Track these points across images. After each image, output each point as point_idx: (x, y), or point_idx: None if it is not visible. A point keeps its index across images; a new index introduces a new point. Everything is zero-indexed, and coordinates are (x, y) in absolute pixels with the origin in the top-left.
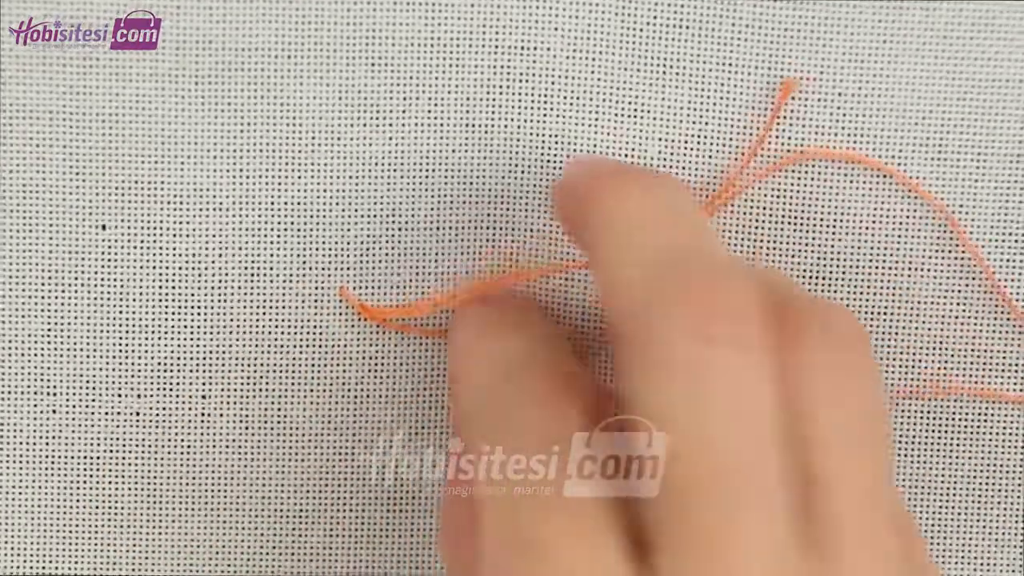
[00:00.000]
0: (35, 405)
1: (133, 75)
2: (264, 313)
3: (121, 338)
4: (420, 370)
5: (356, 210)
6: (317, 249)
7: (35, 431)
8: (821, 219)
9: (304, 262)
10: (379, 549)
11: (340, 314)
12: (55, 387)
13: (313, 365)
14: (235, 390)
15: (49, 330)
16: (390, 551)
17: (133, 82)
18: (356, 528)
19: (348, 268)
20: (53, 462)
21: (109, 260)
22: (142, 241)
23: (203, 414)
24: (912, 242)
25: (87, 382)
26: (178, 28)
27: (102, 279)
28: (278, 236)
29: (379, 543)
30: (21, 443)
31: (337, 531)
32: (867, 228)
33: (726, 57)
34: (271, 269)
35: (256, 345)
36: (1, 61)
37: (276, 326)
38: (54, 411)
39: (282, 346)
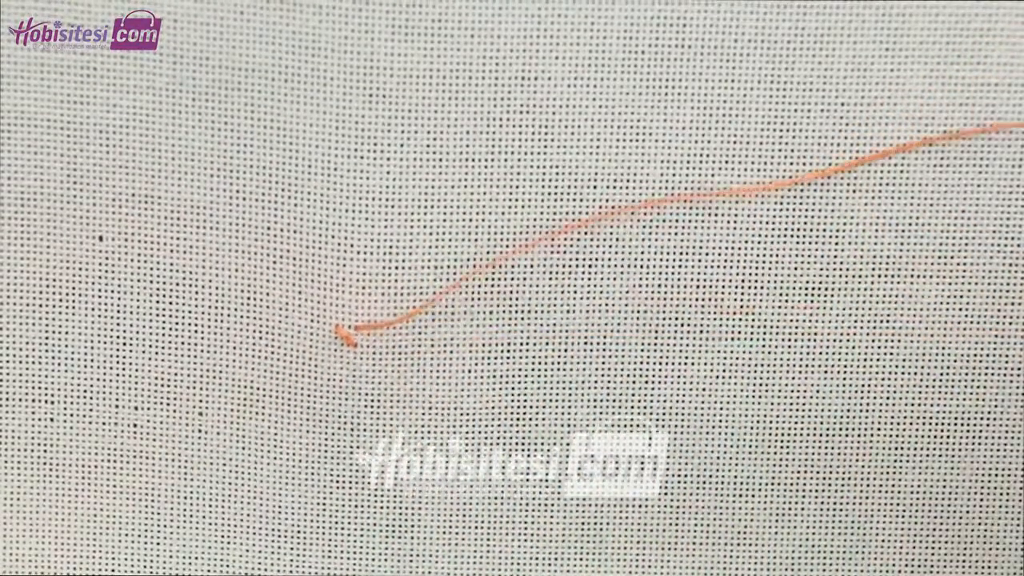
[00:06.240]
0: (32, 412)
1: (131, 86)
2: (260, 338)
3: (118, 349)
4: (416, 404)
5: (352, 246)
6: (313, 281)
7: (33, 438)
8: (823, 230)
9: (300, 292)
10: (376, 572)
11: (336, 350)
12: (53, 395)
13: (309, 395)
14: (231, 410)
15: (47, 338)
16: (387, 574)
17: (131, 93)
18: (354, 551)
19: (343, 305)
20: (51, 469)
21: (106, 271)
22: (139, 254)
23: (200, 430)
24: (913, 250)
25: (84, 392)
26: (175, 41)
27: (99, 289)
28: (274, 262)
29: (376, 566)
30: (19, 450)
31: (334, 553)
32: (868, 238)
33: (729, 73)
34: (267, 295)
35: (252, 369)
36: (0, 68)
37: (272, 352)
38: (51, 419)
39: (278, 373)
